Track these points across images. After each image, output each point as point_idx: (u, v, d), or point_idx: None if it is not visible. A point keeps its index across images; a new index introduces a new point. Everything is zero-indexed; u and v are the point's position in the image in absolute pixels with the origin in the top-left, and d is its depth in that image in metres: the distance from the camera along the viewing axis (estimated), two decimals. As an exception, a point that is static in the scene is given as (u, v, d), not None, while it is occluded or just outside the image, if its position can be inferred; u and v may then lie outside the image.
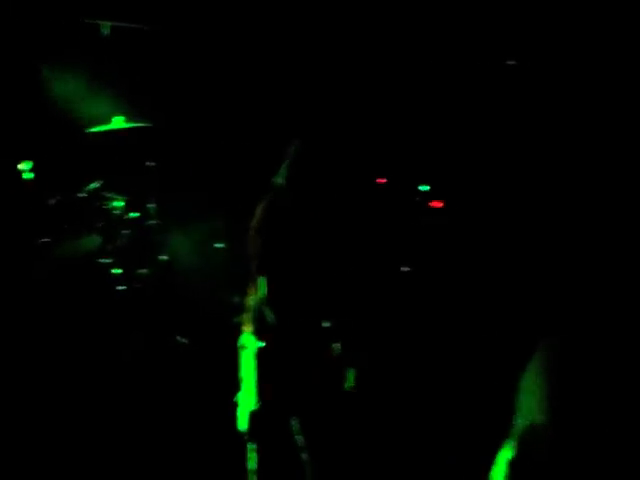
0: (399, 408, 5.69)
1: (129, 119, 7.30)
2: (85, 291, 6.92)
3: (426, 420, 5.57)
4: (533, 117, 7.17)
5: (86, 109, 7.48)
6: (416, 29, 7.50)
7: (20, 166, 7.28)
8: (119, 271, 7.09)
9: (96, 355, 6.37)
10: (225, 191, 7.41)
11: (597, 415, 2.53)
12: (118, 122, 7.23)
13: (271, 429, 4.16)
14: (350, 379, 4.26)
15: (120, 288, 7.01)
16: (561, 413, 2.52)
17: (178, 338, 6.77)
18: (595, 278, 6.04)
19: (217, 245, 7.50)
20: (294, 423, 4.12)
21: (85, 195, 7.28)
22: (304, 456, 4.10)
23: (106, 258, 7.14)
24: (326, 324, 4.21)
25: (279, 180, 4.22)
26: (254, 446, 4.15)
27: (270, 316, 4.11)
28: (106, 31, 7.58)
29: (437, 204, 7.37)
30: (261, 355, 4.13)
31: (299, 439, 4.11)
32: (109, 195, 7.33)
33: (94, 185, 7.34)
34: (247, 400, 4.14)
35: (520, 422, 2.61)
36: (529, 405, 2.59)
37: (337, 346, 4.24)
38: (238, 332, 4.22)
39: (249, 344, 4.15)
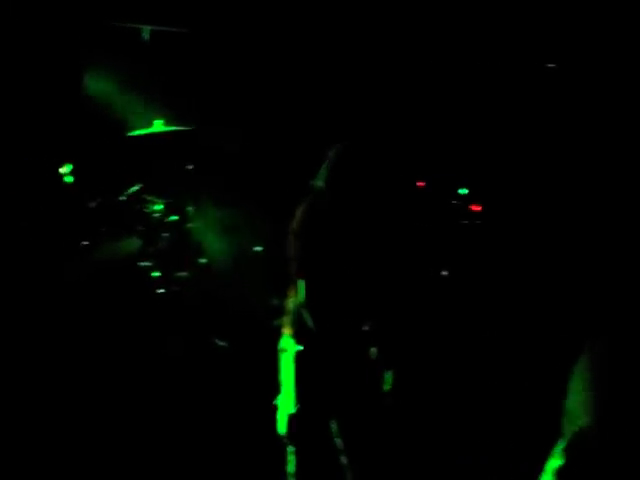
0: (438, 412, 5.66)
1: (169, 122, 7.34)
2: (124, 294, 6.96)
3: (468, 425, 5.54)
4: (572, 122, 7.13)
5: (127, 113, 7.52)
6: (455, 34, 7.49)
7: (61, 169, 7.35)
8: (158, 274, 7.12)
9: (135, 357, 6.40)
10: (265, 194, 7.42)
11: None
12: (158, 125, 7.27)
13: (310, 432, 4.15)
14: (388, 382, 4.25)
15: (159, 291, 7.05)
16: (610, 416, 2.45)
17: (217, 341, 6.79)
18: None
19: (256, 248, 7.51)
20: (333, 426, 4.11)
21: (125, 198, 7.33)
22: (343, 459, 4.09)
23: (146, 261, 7.18)
24: (365, 327, 4.20)
25: (319, 183, 4.22)
26: (293, 449, 4.14)
27: (309, 319, 4.11)
28: (146, 35, 7.64)
29: (476, 208, 7.34)
30: (300, 358, 4.13)
31: (338, 442, 4.10)
32: (149, 198, 7.37)
33: (134, 188, 7.38)
34: (286, 403, 4.14)
35: (568, 427, 2.55)
36: (577, 409, 2.52)
37: (375, 349, 4.22)
38: (278, 335, 4.22)
39: (289, 347, 4.15)
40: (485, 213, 7.34)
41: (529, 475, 2.79)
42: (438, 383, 5.98)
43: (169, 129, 7.32)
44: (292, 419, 4.13)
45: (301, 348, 4.12)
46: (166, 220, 7.31)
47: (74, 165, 7.40)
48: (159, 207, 7.31)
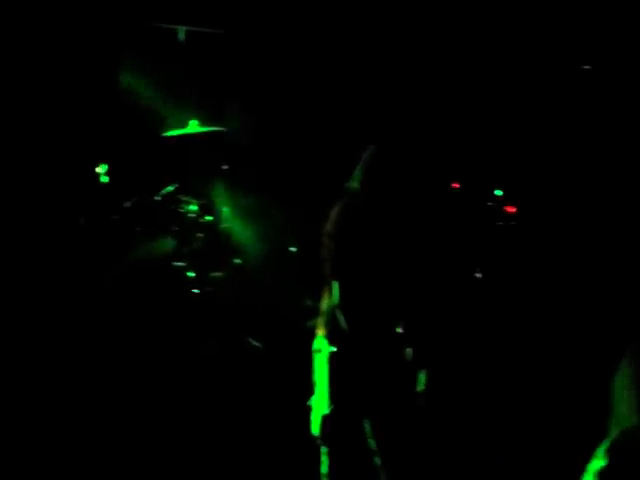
0: (473, 412, 5.64)
1: (204, 123, 7.37)
2: (159, 294, 6.99)
3: (506, 425, 5.50)
4: (609, 122, 7.08)
5: (162, 113, 7.56)
6: (492, 35, 7.47)
7: (97, 169, 7.40)
8: (193, 274, 7.14)
9: (170, 358, 6.43)
10: (300, 195, 7.43)
11: None
12: (193, 126, 7.30)
13: (344, 433, 4.15)
14: (422, 383, 4.24)
15: (194, 291, 7.07)
16: None
17: (251, 342, 6.80)
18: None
19: (291, 249, 7.52)
20: (366, 427, 4.11)
21: (160, 198, 7.36)
22: (376, 460, 4.09)
23: (180, 261, 7.20)
24: (399, 329, 4.20)
25: (354, 184, 4.22)
26: (327, 449, 4.15)
27: (343, 320, 4.11)
28: (182, 36, 7.68)
29: (511, 209, 7.31)
30: (334, 359, 4.13)
31: (371, 443, 4.10)
32: (184, 198, 7.40)
33: (169, 188, 7.41)
34: (320, 404, 4.14)
35: (614, 429, 2.52)
36: (622, 411, 2.50)
37: (409, 350, 4.22)
38: (312, 336, 4.22)
39: (323, 348, 4.15)
40: (520, 215, 7.30)
41: (571, 476, 2.77)
42: (473, 384, 5.95)
43: (204, 129, 7.35)
44: (326, 420, 4.13)
45: (335, 349, 4.12)
46: (201, 220, 7.33)
47: (110, 165, 7.45)
48: (194, 207, 7.34)
